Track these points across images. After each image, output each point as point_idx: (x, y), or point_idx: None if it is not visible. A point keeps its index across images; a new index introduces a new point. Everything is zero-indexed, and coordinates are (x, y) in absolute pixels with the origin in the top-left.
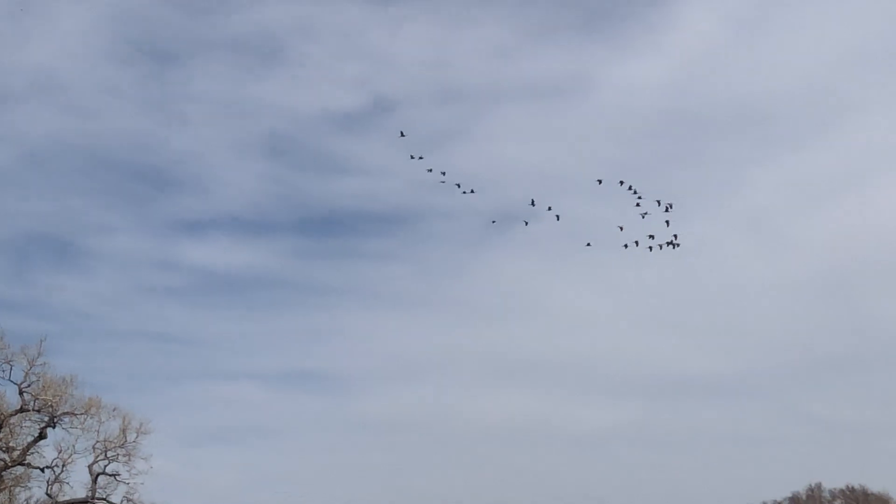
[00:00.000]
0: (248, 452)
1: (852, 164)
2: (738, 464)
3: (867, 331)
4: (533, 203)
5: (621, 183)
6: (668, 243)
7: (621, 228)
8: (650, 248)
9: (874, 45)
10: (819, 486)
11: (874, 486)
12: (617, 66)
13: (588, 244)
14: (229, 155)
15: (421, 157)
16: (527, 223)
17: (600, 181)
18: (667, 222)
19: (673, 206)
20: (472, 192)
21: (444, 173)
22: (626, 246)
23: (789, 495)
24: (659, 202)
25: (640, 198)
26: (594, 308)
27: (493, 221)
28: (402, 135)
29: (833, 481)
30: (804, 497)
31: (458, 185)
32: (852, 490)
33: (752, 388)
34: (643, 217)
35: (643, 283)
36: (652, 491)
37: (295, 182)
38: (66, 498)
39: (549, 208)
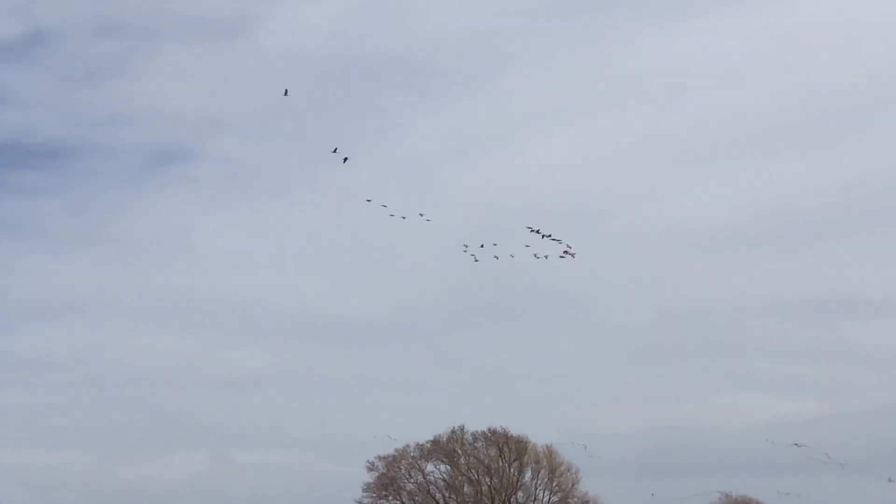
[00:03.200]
0: None
1: (507, 117)
2: (387, 406)
3: (511, 280)
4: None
5: (529, 228)
6: (565, 252)
7: (536, 256)
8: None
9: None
10: (462, 427)
11: (515, 430)
12: (281, 10)
13: None
14: None
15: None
16: None
17: (532, 229)
18: (568, 245)
19: (572, 247)
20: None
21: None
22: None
23: (431, 438)
24: (560, 240)
25: (550, 237)
26: (253, 251)
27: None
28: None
29: (477, 424)
30: (445, 439)
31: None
32: (494, 432)
33: (403, 333)
34: (546, 258)
35: (303, 228)
36: (300, 433)
37: None
38: None
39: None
